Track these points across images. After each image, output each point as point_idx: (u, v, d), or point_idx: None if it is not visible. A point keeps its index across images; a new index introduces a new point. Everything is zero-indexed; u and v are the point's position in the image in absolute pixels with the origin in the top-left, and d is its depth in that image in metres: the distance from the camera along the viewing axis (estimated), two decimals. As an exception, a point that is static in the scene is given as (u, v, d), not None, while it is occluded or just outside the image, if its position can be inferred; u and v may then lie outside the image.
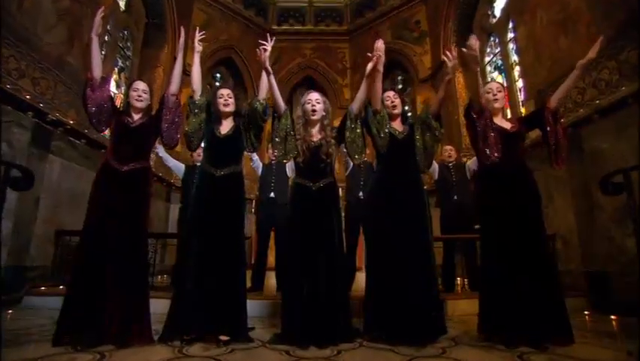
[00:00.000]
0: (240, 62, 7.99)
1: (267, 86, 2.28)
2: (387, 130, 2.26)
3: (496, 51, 5.75)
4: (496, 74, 5.80)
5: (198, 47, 2.34)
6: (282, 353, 1.90)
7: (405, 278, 2.07)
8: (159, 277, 5.14)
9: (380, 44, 2.15)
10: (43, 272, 3.20)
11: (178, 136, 2.28)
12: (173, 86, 2.28)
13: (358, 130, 2.30)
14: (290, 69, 8.63)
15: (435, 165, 3.96)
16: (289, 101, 8.90)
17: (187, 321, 1.99)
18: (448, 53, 2.25)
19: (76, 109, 3.72)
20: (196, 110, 2.28)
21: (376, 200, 2.29)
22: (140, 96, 2.28)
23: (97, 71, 2.16)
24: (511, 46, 5.28)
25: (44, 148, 3.27)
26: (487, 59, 5.97)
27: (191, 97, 2.32)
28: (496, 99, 2.32)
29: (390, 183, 2.25)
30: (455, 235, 3.69)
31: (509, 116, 5.40)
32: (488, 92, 2.36)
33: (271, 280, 3.86)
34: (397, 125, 2.44)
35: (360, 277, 3.44)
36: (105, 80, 2.21)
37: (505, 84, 5.53)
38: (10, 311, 2.76)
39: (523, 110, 4.99)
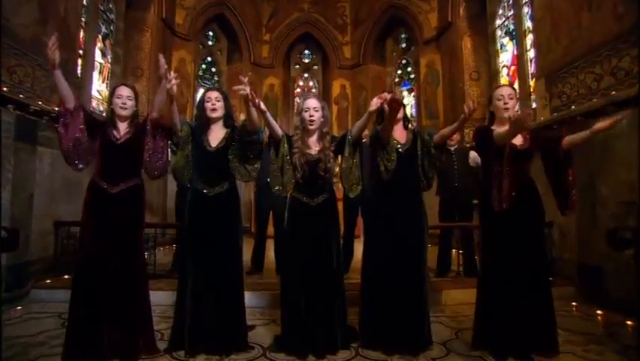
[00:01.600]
0: (233, 19, 7.42)
1: (256, 116, 2.11)
2: (394, 162, 2.15)
3: (509, 14, 5.30)
4: (506, 40, 5.41)
5: (173, 90, 1.99)
6: (281, 364, 2.01)
7: (398, 294, 2.13)
8: (161, 248, 5.26)
9: (398, 95, 1.97)
10: (45, 264, 3.24)
11: (160, 166, 2.15)
12: (156, 113, 2.12)
13: (356, 160, 2.19)
14: (287, 25, 8.04)
15: None
16: (287, 60, 8.43)
17: (190, 339, 2.06)
18: (470, 104, 2.00)
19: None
20: (181, 144, 2.15)
21: (375, 213, 2.25)
22: (124, 104, 2.12)
23: (69, 102, 2.00)
24: (525, 10, 4.86)
25: (31, 141, 3.13)
26: (498, 21, 5.53)
27: (172, 136, 2.17)
28: (507, 108, 2.16)
29: (388, 196, 2.19)
30: (453, 224, 3.72)
31: (517, 86, 5.15)
32: (499, 100, 2.18)
33: (270, 251, 3.93)
34: (399, 132, 2.31)
35: (358, 248, 3.48)
36: (77, 110, 2.02)
37: (515, 52, 5.20)
38: (19, 307, 2.86)
39: (532, 83, 4.74)
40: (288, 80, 8.35)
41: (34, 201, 3.18)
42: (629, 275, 2.72)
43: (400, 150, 2.23)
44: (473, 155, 3.76)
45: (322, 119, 2.23)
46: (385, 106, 2.02)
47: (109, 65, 5.19)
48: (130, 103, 2.15)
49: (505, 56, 5.44)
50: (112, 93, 2.16)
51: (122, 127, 2.13)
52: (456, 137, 3.93)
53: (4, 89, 2.83)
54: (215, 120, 2.23)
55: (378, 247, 2.20)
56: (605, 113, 2.99)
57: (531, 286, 2.08)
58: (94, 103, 4.86)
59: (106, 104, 5.13)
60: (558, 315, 2.74)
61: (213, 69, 7.65)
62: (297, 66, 8.48)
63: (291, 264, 2.16)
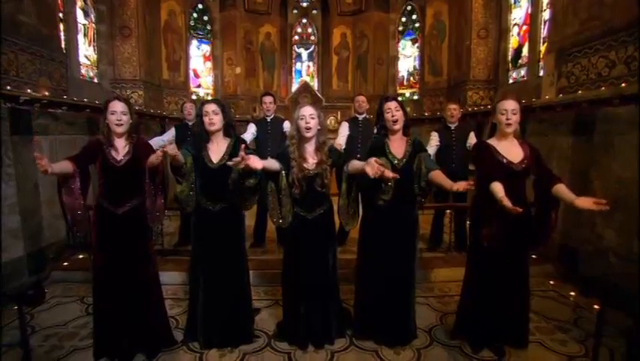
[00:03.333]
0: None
1: None
2: (390, 193, 2.17)
3: (528, -36, 4.78)
4: (522, -6, 4.96)
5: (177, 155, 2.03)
6: (284, 356, 2.29)
7: (388, 295, 2.32)
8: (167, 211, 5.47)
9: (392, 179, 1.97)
10: (59, 247, 3.43)
11: (159, 215, 2.25)
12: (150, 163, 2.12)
13: (352, 195, 2.21)
14: (283, -37, 7.26)
15: (434, 135, 3.81)
16: (283, 6, 7.76)
17: (203, 334, 2.32)
18: (456, 186, 1.97)
19: (47, 75, 3.36)
20: (186, 175, 2.16)
21: (369, 225, 2.34)
22: (119, 120, 2.08)
23: (69, 171, 2.01)
24: (547, -38, 4.37)
25: (27, 132, 3.10)
26: (515, -28, 5.01)
27: (176, 172, 2.16)
28: (509, 124, 2.11)
29: (383, 210, 2.26)
30: (447, 204, 3.84)
31: (526, 53, 4.87)
32: (502, 114, 2.13)
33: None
34: (396, 144, 2.29)
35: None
36: (74, 174, 2.03)
37: (529, 10, 4.81)
38: (45, 291, 3.12)
39: (542, 48, 4.48)
40: (286, 27, 7.79)
41: (40, 189, 3.27)
42: (602, 260, 2.96)
43: (397, 164, 2.24)
44: (473, 140, 3.74)
45: (319, 127, 2.22)
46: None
47: (93, 26, 4.82)
48: (125, 118, 2.11)
49: (518, 13, 5.04)
50: (105, 108, 2.10)
51: (121, 145, 2.12)
52: (457, 114, 3.86)
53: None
54: (215, 132, 2.22)
55: (372, 258, 2.33)
56: (611, 104, 2.92)
57: (512, 296, 2.24)
58: (83, 70, 4.63)
59: (96, 69, 4.93)
60: (534, 295, 3.03)
61: (205, 17, 7.08)
62: (295, 11, 7.83)
63: (290, 270, 2.32)
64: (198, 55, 7.01)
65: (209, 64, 7.20)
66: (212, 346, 2.33)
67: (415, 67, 7.28)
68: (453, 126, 3.85)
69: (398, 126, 2.28)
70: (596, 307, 2.86)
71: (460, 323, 2.45)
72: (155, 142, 3.82)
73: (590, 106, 3.12)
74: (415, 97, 7.26)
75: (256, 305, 2.79)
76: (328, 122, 7.37)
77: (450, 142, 3.82)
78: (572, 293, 3.14)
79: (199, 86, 7.13)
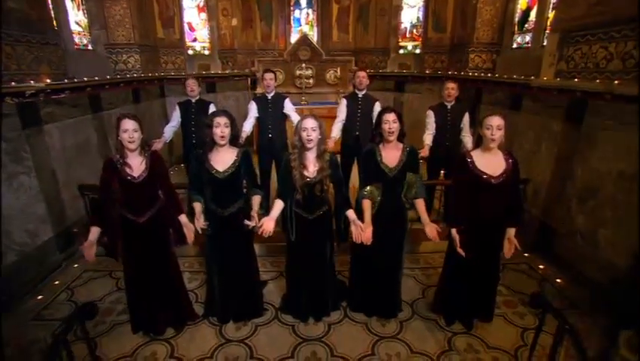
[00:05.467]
0: None
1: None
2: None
3: None
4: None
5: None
6: (289, 328, 2.73)
7: (379, 280, 2.70)
8: (171, 171, 5.76)
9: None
10: (81, 223, 3.71)
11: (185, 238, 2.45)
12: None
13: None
14: None
15: (430, 114, 3.89)
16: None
17: (220, 311, 2.75)
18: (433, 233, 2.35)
19: (45, 61, 3.35)
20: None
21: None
22: (131, 137, 2.23)
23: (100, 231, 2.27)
24: None
25: (36, 124, 3.20)
26: None
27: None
28: (493, 139, 2.26)
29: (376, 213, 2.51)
30: (437, 181, 4.08)
31: (533, 18, 4.67)
32: (488, 129, 2.26)
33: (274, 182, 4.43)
34: (390, 152, 2.46)
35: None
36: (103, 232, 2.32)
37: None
38: (76, 265, 3.53)
39: (550, 15, 4.31)
40: (283, -29, 7.21)
41: (57, 174, 3.48)
42: (572, 241, 3.31)
43: (390, 173, 2.43)
44: (466, 121, 3.83)
45: (320, 136, 2.37)
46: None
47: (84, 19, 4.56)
48: (137, 135, 2.25)
49: (532, -29, 4.71)
50: (117, 126, 2.23)
51: (136, 162, 2.28)
52: (454, 93, 3.90)
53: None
54: (223, 145, 2.38)
55: (365, 248, 2.62)
56: (603, 99, 2.98)
57: (484, 274, 2.57)
58: (76, 39, 4.50)
59: (89, 35, 4.78)
60: (507, 267, 3.44)
61: (195, -37, 6.53)
62: (292, -50, 7.17)
63: (293, 263, 2.67)
64: (192, 6, 6.63)
65: (204, 15, 6.83)
66: (228, 320, 2.77)
67: (418, 18, 6.92)
68: (449, 105, 3.92)
69: (393, 137, 2.43)
70: (558, 281, 3.31)
71: (438, 299, 2.87)
72: (169, 131, 3.94)
73: (583, 96, 3.19)
74: (417, 51, 7.04)
75: (263, 277, 3.19)
76: (328, 76, 7.27)
77: (445, 121, 3.92)
78: (541, 266, 3.56)
79: (194, 40, 6.86)
